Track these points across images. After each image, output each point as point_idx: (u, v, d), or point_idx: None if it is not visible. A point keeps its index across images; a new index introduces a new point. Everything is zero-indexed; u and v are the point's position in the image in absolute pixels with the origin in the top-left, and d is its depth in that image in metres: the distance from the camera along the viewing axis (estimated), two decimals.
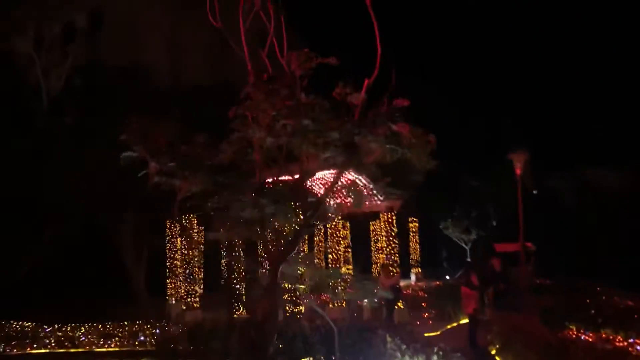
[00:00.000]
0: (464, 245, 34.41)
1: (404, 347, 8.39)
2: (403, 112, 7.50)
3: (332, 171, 16.60)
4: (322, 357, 9.92)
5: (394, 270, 15.97)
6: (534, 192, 38.92)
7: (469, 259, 33.80)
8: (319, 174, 17.15)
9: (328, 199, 8.13)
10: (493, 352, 12.60)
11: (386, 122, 7.35)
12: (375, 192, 17.40)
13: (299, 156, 8.27)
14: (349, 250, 26.92)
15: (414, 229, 30.67)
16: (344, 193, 18.23)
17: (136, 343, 11.71)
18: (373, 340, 9.85)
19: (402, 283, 27.92)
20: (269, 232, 7.50)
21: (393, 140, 7.40)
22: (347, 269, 25.13)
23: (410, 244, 30.53)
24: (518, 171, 15.04)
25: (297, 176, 9.14)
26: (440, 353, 7.82)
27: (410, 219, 30.58)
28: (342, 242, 19.57)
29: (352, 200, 8.85)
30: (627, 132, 36.58)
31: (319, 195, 10.53)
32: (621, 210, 31.50)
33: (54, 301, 18.27)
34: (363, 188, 17.60)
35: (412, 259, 30.47)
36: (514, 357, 11.21)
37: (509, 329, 11.86)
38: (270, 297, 7.01)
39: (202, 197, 8.42)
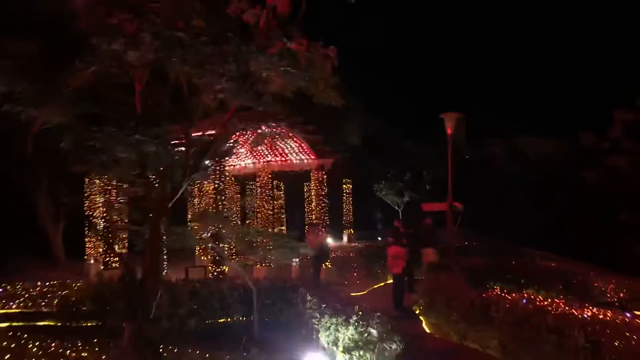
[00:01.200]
0: (396, 208, 34.57)
1: (323, 306, 7.97)
2: (300, 26, 6.38)
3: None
4: (238, 317, 9.44)
5: (322, 230, 15.61)
6: (467, 157, 39.77)
7: (397, 220, 34.13)
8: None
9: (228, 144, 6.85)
10: (417, 311, 12.53)
11: (281, 37, 6.19)
12: (305, 149, 16.86)
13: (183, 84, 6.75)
14: (283, 211, 26.63)
15: (347, 190, 30.54)
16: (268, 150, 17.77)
17: (42, 304, 10.83)
18: (294, 299, 9.43)
19: (334, 244, 27.90)
20: (151, 177, 6.45)
21: (290, 61, 6.24)
22: (280, 229, 24.86)
23: (344, 205, 30.44)
24: (449, 131, 14.79)
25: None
26: (360, 313, 7.42)
27: (344, 180, 30.40)
28: (271, 202, 18.99)
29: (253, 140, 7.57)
30: (560, 103, 37.53)
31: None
32: (548, 177, 32.41)
33: None
34: (293, 143, 17.06)
35: (344, 220, 30.42)
36: (437, 317, 11.12)
37: (434, 289, 11.74)
38: (152, 251, 6.31)
39: (61, 131, 6.81)
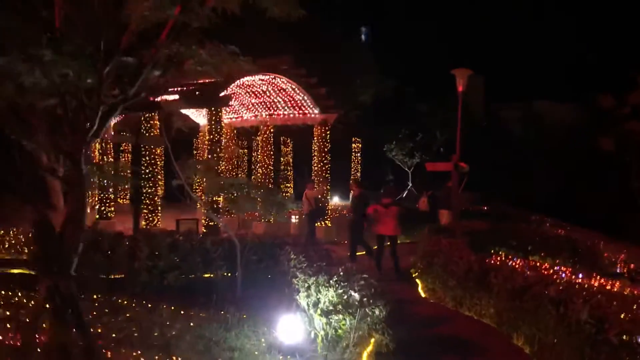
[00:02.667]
0: (406, 169, 33.95)
1: (304, 265, 7.44)
2: None
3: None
4: (222, 273, 8.95)
5: (316, 185, 15.02)
6: (484, 123, 38.79)
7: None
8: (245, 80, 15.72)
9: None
10: (415, 275, 12.03)
11: None
12: (308, 103, 16.14)
13: None
14: (289, 168, 26.06)
15: (356, 149, 29.88)
16: (274, 102, 17.07)
17: (25, 252, 10.45)
18: (281, 257, 8.91)
19: (339, 202, 27.41)
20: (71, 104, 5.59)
21: None
22: (286, 186, 24.36)
23: (352, 164, 29.84)
24: (460, 88, 13.97)
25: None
26: (341, 273, 6.88)
27: (353, 139, 29.72)
28: (272, 157, 18.37)
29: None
30: (579, 67, 36.17)
31: None
32: (562, 143, 31.49)
33: None
34: (295, 96, 16.36)
35: (352, 180, 29.85)
36: (433, 281, 10.61)
37: (433, 252, 11.19)
38: (72, 194, 5.70)
39: None
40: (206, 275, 9.19)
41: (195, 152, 21.23)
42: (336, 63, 29.85)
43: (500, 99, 36.88)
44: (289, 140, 26.17)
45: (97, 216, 16.88)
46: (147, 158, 14.26)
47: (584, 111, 31.61)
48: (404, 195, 32.75)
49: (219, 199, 12.00)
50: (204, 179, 8.01)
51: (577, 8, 38.11)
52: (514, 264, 11.83)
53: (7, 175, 6.31)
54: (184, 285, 8.66)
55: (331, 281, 6.64)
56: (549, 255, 13.40)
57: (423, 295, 10.70)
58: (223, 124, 14.64)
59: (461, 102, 14.10)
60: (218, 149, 13.32)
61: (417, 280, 11.49)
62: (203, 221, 13.50)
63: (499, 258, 12.28)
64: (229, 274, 9.12)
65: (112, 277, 8.84)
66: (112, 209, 16.87)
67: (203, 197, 12.98)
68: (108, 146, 16.96)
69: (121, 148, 22.10)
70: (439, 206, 15.56)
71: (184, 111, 20.14)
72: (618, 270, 14.79)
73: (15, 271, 8.99)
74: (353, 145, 29.89)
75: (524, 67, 37.36)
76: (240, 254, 8.52)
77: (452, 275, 9.90)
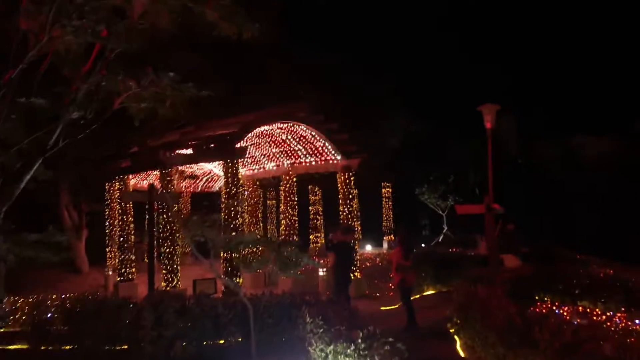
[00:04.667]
0: (440, 212, 32.78)
1: (320, 330, 6.59)
2: None
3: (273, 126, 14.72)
4: (235, 340, 8.15)
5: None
6: (519, 161, 37.61)
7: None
8: (263, 129, 15.24)
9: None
10: (452, 330, 10.96)
11: None
12: (330, 149, 15.51)
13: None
14: (318, 217, 25.33)
15: (387, 195, 29.09)
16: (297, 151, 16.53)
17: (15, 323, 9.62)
18: (298, 319, 8.08)
19: (372, 251, 26.40)
20: None
21: None
22: (315, 236, 23.61)
23: (383, 210, 29.01)
24: (488, 125, 13.21)
25: None
26: (367, 341, 6.01)
27: (383, 184, 28.99)
28: (297, 207, 17.67)
29: None
30: (615, 97, 34.89)
31: None
32: (603, 178, 30.04)
33: None
34: (316, 143, 15.78)
35: (384, 226, 28.97)
36: (472, 337, 9.55)
37: (469, 303, 10.16)
38: None
39: None
40: (220, 342, 8.41)
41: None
42: (362, 107, 29.49)
43: (536, 135, 35.78)
44: (316, 189, 25.60)
45: (118, 278, 16.38)
46: (165, 216, 13.75)
47: (621, 141, 30.29)
48: (440, 239, 31.58)
49: (236, 256, 11.31)
50: (205, 236, 7.30)
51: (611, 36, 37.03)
52: (561, 311, 10.74)
53: None
54: (193, 355, 7.88)
55: (348, 350, 5.78)
56: (599, 299, 12.22)
57: (462, 354, 9.64)
58: (241, 176, 14.10)
59: (490, 139, 13.33)
60: (235, 203, 12.72)
61: (455, 336, 10.44)
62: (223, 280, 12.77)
63: (544, 306, 11.22)
64: (243, 340, 8.31)
65: (116, 348, 8.12)
66: (133, 270, 16.37)
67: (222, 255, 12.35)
68: (128, 206, 16.55)
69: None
70: (502, 250, 14.61)
71: (206, 165, 19.84)
72: None
73: (12, 347, 8.33)
74: (383, 190, 29.14)
75: (559, 100, 36.16)
76: (254, 317, 7.72)
77: (492, 329, 8.86)
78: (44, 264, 19.79)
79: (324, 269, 15.58)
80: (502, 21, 40.24)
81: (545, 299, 12.35)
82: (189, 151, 13.42)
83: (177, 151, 13.64)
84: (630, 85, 33.37)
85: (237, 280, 12.41)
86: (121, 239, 16.50)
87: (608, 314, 11.25)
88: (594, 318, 10.89)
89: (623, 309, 11.47)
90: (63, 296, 9.67)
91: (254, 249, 7.92)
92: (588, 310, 11.52)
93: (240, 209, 13.18)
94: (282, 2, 22.09)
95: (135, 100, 4.66)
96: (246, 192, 18.79)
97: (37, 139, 4.61)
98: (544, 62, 38.62)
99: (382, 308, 13.77)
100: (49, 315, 8.27)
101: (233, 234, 11.95)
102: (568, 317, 10.83)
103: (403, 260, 10.95)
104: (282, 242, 7.52)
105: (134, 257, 16.49)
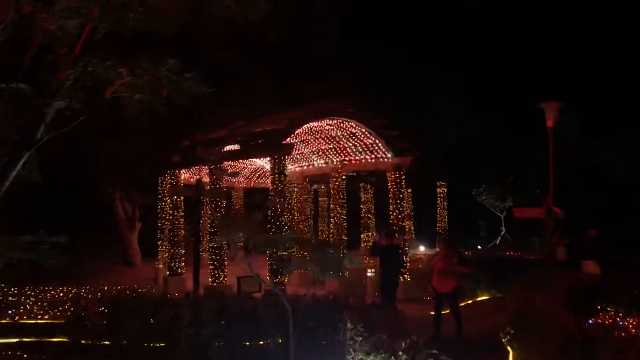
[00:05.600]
0: (499, 214, 31.65)
1: (359, 338, 6.22)
2: None
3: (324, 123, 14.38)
4: (274, 342, 7.87)
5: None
6: (581, 161, 35.86)
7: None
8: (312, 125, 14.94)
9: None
10: (504, 340, 10.33)
11: None
12: (380, 146, 15.05)
13: None
14: (370, 216, 24.87)
15: (442, 194, 28.28)
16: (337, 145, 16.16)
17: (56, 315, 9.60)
18: (339, 323, 7.72)
19: (426, 251, 25.71)
20: None
21: None
22: (367, 235, 23.17)
23: (438, 210, 28.22)
24: (550, 123, 12.51)
25: None
26: (410, 352, 5.61)
27: (438, 183, 28.19)
28: (346, 205, 17.28)
29: None
30: None
31: None
32: None
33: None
34: (366, 140, 15.35)
35: (439, 227, 28.18)
36: (527, 349, 8.93)
37: (524, 312, 9.53)
38: None
39: None
40: (259, 343, 8.14)
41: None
42: (417, 104, 28.82)
43: (601, 134, 34.02)
44: (369, 187, 25.13)
45: (168, 272, 16.48)
46: (213, 211, 13.66)
47: None
48: (498, 241, 30.51)
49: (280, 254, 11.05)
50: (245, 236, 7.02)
51: None
52: (625, 324, 9.98)
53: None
54: (231, 355, 7.64)
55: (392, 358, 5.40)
56: None
57: None
58: (290, 172, 13.86)
59: (552, 138, 12.59)
60: (282, 200, 12.47)
61: (508, 348, 9.81)
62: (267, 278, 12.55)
63: (607, 318, 10.46)
64: (283, 342, 8.01)
65: (153, 345, 7.97)
66: (183, 264, 16.42)
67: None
68: (179, 200, 16.61)
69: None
70: (582, 256, 14.10)
71: (257, 161, 19.76)
72: None
73: (54, 339, 8.32)
74: (438, 189, 28.35)
75: (624, 97, 34.22)
76: (293, 320, 7.41)
77: (549, 342, 8.24)
78: (97, 255, 20.37)
79: (373, 270, 15.17)
80: (563, 18, 38.51)
81: (609, 309, 11.55)
82: (237, 147, 13.27)
83: (225, 146, 13.52)
84: None
85: (283, 278, 12.14)
86: (171, 233, 16.58)
87: None
88: None
89: None
90: (100, 292, 9.61)
91: (296, 249, 7.60)
92: None
93: (287, 206, 12.93)
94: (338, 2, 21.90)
95: (129, 90, 4.37)
96: (296, 189, 18.60)
97: (22, 131, 4.36)
98: (607, 58, 36.63)
99: (432, 312, 13.23)
100: (86, 311, 8.21)
101: (278, 231, 11.72)
102: (633, 331, 10.08)
103: (460, 267, 10.36)
104: (323, 243, 7.14)
105: (183, 252, 16.51)
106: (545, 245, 11.49)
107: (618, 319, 10.72)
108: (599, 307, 11.42)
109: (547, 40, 38.78)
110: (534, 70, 35.79)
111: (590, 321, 9.19)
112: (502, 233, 31.28)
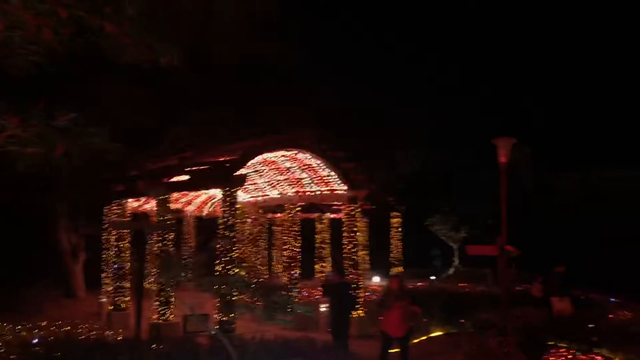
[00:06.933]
0: (451, 244, 31.87)
1: None
2: None
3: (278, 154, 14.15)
4: None
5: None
6: (531, 191, 36.65)
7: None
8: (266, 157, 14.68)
9: None
10: None
11: None
12: (336, 179, 14.84)
13: None
14: (324, 246, 24.58)
15: (396, 224, 28.24)
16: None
17: None
18: None
19: (381, 283, 25.45)
20: None
21: None
22: (321, 266, 22.87)
23: (392, 240, 28.14)
24: (503, 159, 12.44)
25: None
26: None
27: (392, 214, 28.16)
28: (299, 239, 16.91)
29: None
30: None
31: None
32: (625, 216, 28.99)
33: None
34: (321, 172, 15.14)
35: (393, 257, 28.07)
36: None
37: (480, 353, 9.35)
38: None
39: None
40: None
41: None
42: (373, 136, 29.03)
43: (553, 168, 34.95)
44: (324, 217, 24.85)
45: (111, 307, 15.68)
46: (160, 244, 13.08)
47: None
48: (451, 272, 30.59)
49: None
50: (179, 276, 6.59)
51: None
52: None
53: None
54: None
55: None
56: (618, 346, 11.34)
57: None
58: (243, 203, 13.45)
59: (504, 174, 12.56)
60: (232, 234, 12.02)
61: None
62: (217, 316, 11.95)
63: (561, 355, 10.48)
64: None
65: None
66: (128, 298, 15.66)
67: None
68: (126, 232, 15.92)
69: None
70: (552, 293, 14.09)
71: (213, 191, 19.25)
72: None
73: None
74: (392, 220, 28.29)
75: (578, 133, 35.35)
76: None
77: None
78: (40, 287, 19.38)
79: (326, 305, 14.81)
80: (517, 53, 39.77)
81: (561, 345, 11.56)
82: (187, 177, 12.81)
83: (174, 177, 13.04)
84: None
85: (232, 316, 11.60)
86: (115, 265, 15.82)
87: None
88: None
89: None
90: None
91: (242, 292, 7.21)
92: None
93: (238, 239, 12.50)
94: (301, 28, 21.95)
95: (19, 143, 3.96)
96: (249, 220, 18.16)
97: None
98: (565, 95, 37.90)
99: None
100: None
101: (227, 267, 11.26)
102: None
103: (413, 307, 9.99)
104: (271, 287, 6.78)
105: (129, 285, 15.76)
106: (500, 283, 11.36)
107: (570, 356, 10.75)
108: (551, 343, 11.42)
109: (506, 74, 39.84)
110: (494, 103, 36.67)
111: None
112: (455, 264, 31.47)
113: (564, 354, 11.20)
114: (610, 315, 15.28)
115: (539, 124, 35.83)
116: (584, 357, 11.01)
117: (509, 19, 39.45)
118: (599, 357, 10.96)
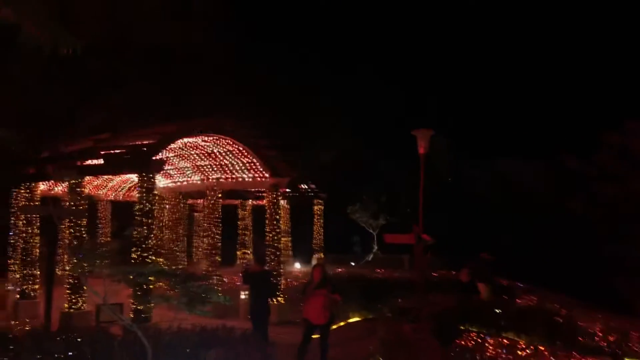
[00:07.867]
0: (371, 231, 32.64)
1: None
2: None
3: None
4: None
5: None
6: (449, 179, 38.02)
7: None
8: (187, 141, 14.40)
9: None
10: None
11: None
12: (258, 166, 14.75)
13: None
14: (247, 232, 24.42)
15: (318, 212, 28.51)
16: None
17: None
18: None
19: (301, 269, 25.63)
20: None
21: None
22: (243, 253, 22.67)
23: (314, 227, 28.40)
24: (422, 150, 12.77)
25: None
26: None
27: (315, 201, 28.40)
28: (220, 226, 16.70)
29: None
30: (543, 122, 35.87)
31: None
32: (531, 204, 30.56)
33: None
34: (243, 159, 15.00)
35: (314, 244, 28.37)
36: None
37: (396, 342, 9.60)
38: None
39: None
40: None
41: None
42: (297, 124, 29.10)
43: (467, 157, 36.35)
44: (246, 203, 24.65)
45: (18, 296, 14.87)
46: (73, 230, 12.51)
47: (550, 170, 30.95)
48: (370, 258, 31.31)
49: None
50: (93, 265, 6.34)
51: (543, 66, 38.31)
52: (486, 345, 10.48)
53: None
54: None
55: None
56: (524, 330, 12.00)
57: None
58: (163, 188, 13.09)
59: (423, 164, 12.91)
60: (149, 221, 11.66)
61: None
62: (132, 305, 11.56)
63: (471, 338, 10.92)
64: None
65: None
66: (37, 287, 14.90)
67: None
68: (35, 217, 15.10)
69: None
70: (478, 279, 14.20)
71: (130, 176, 18.60)
72: (598, 343, 13.45)
73: None
74: (315, 207, 28.55)
75: (489, 123, 36.86)
76: (153, 357, 6.83)
77: None
78: None
79: (246, 292, 14.73)
80: (435, 45, 40.90)
81: (472, 329, 12.05)
82: (102, 161, 12.29)
83: (89, 160, 12.49)
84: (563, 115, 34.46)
85: (148, 306, 11.29)
86: (24, 251, 14.99)
87: (531, 347, 11.07)
88: (519, 353, 10.68)
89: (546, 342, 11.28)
90: None
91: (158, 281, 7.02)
92: (512, 343, 11.28)
93: (156, 226, 12.16)
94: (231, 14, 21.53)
95: None
96: (168, 206, 17.73)
97: None
98: (479, 87, 39.38)
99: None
100: None
101: (143, 255, 10.94)
102: (493, 352, 10.57)
103: (334, 295, 10.08)
104: (188, 275, 6.63)
105: (38, 272, 14.99)
106: (415, 269, 11.74)
107: (479, 340, 11.23)
108: (462, 328, 11.90)
109: (431, 68, 40.80)
110: (416, 94, 37.56)
111: (457, 349, 9.47)
112: (374, 250, 32.25)
113: (475, 337, 11.71)
114: (518, 300, 16.09)
115: (458, 116, 37.05)
116: (492, 340, 11.51)
117: (425, 12, 40.57)
118: (506, 341, 11.51)
